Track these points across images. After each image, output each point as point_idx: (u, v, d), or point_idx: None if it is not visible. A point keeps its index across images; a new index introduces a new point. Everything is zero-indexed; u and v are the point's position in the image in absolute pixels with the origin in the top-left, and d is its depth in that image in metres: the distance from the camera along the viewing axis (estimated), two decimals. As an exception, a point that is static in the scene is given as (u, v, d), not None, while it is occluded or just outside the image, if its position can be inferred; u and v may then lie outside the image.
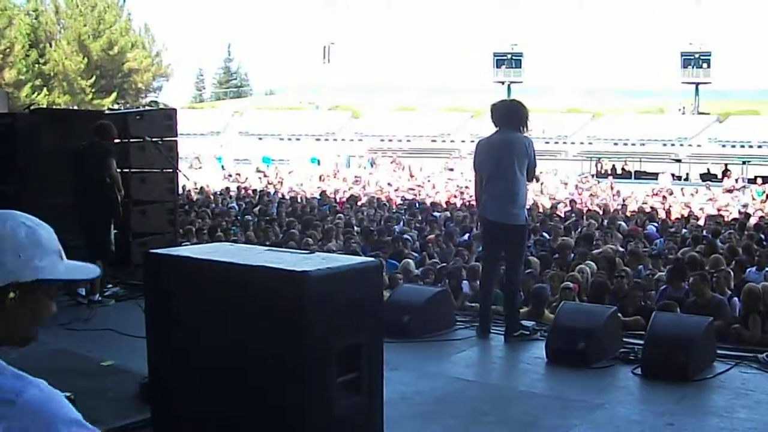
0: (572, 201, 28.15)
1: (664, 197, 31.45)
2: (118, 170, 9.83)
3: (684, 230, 18.55)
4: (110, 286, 10.13)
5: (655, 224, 20.13)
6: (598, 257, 13.50)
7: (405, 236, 16.14)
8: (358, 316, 3.90)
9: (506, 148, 8.20)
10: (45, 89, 71.45)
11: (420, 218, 21.08)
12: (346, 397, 3.80)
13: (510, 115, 8.36)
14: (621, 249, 15.13)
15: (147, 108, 21.28)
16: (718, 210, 26.87)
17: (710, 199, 31.61)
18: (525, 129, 8.37)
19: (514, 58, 70.87)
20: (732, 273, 12.14)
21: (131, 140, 11.02)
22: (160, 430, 3.94)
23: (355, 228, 18.06)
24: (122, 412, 4.88)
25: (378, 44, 77.73)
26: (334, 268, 3.82)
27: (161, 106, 49.21)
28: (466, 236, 17.01)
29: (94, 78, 74.60)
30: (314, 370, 3.66)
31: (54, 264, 2.29)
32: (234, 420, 3.86)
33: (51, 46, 75.35)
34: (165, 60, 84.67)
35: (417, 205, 26.22)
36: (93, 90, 74.23)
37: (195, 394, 3.92)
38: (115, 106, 66.54)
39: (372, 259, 4.86)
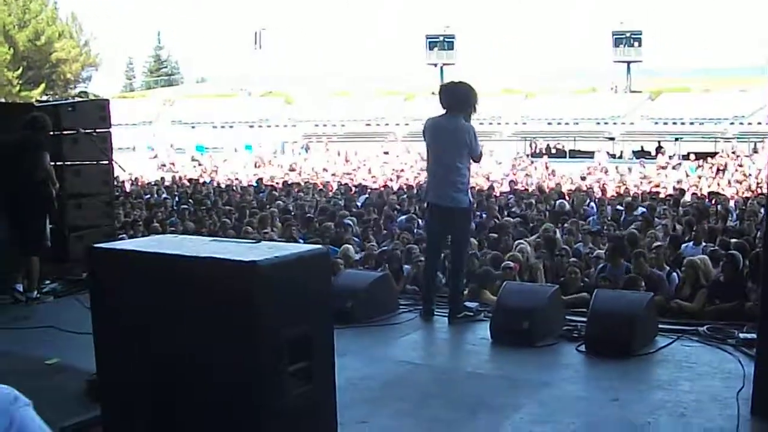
0: (511, 181, 28.36)
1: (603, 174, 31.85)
2: (52, 163, 9.65)
3: (619, 207, 18.80)
4: (48, 282, 9.96)
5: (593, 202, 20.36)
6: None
7: (345, 221, 16.12)
8: (307, 305, 3.88)
9: (449, 135, 8.26)
10: (-30, 81, 70.02)
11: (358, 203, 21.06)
12: (298, 385, 3.78)
13: (457, 100, 8.37)
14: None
15: (79, 99, 20.93)
16: (653, 187, 27.25)
17: (644, 177, 32.00)
18: (472, 114, 8.40)
19: (446, 40, 70.98)
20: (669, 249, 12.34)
21: (64, 132, 10.84)
22: (111, 427, 3.88)
23: (293, 215, 17.98)
24: (72, 410, 4.81)
25: (310, 29, 77.48)
26: (281, 256, 3.79)
27: (91, 97, 48.51)
28: (403, 218, 17.06)
29: (20, 69, 73.16)
30: (265, 360, 3.63)
31: None
32: (186, 412, 3.81)
33: (-25, 37, 73.78)
34: (94, 49, 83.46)
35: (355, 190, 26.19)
36: (20, 81, 72.81)
37: (145, 388, 3.87)
38: (44, 98, 65.29)
39: (320, 246, 4.84)
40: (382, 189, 26.31)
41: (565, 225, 15.33)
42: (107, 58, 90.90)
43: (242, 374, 3.63)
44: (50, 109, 10.70)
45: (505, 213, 18.06)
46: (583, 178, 31.18)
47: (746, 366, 6.26)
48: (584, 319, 7.41)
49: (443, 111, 8.39)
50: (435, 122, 8.45)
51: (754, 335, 6.46)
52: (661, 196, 22.47)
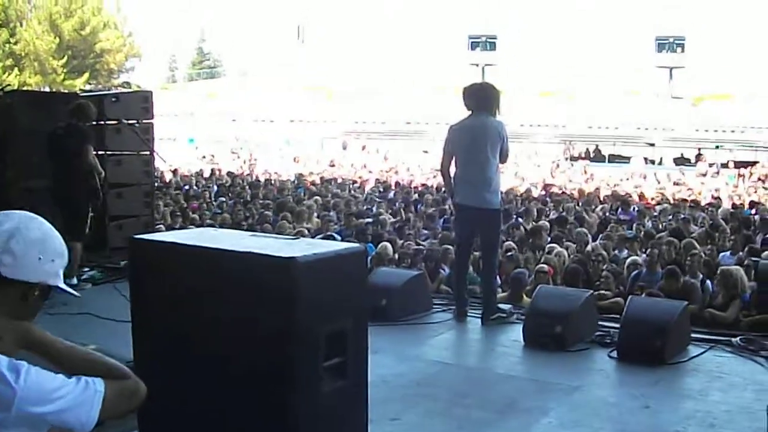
0: (547, 185, 28.23)
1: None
2: (94, 153, 9.79)
3: (656, 214, 18.72)
4: (86, 269, 10.11)
5: (636, 207, 20.24)
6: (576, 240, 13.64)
7: (383, 218, 16.17)
8: (343, 301, 3.94)
9: (479, 133, 8.25)
10: (16, 69, 70.59)
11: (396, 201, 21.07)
12: (332, 381, 3.85)
13: (482, 99, 8.39)
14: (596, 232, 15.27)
15: (123, 90, 21.15)
16: (690, 193, 27.03)
17: (682, 183, 31.74)
18: (497, 112, 8.39)
19: (488, 40, 70.75)
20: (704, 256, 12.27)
21: (107, 123, 11.00)
22: (147, 414, 3.97)
23: (331, 212, 18.03)
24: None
25: (352, 25, 77.39)
26: (320, 253, 3.85)
27: (134, 88, 48.86)
28: (442, 220, 17.07)
29: (65, 58, 73.73)
30: (301, 355, 3.70)
31: (61, 275, 2.70)
32: (221, 405, 3.89)
33: (22, 25, 74.33)
34: (137, 40, 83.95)
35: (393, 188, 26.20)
36: (65, 70, 73.33)
37: (181, 378, 3.95)
38: (87, 87, 65.81)
39: (357, 244, 4.90)
40: (421, 188, 26.29)
41: (607, 229, 15.30)
42: (150, 50, 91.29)
43: (278, 368, 3.69)
44: (94, 99, 10.87)
45: (542, 216, 18.01)
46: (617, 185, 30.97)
47: (778, 378, 6.27)
48: (617, 325, 7.43)
49: (468, 113, 8.42)
50: (462, 125, 8.48)
51: (787, 347, 6.46)
52: (700, 203, 22.28)
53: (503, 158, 8.44)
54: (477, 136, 8.26)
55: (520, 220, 16.67)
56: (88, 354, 2.77)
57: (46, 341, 2.76)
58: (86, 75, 74.89)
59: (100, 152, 10.44)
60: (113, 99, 11.48)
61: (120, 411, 2.67)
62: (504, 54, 70.63)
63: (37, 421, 2.45)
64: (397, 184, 27.92)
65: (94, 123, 10.24)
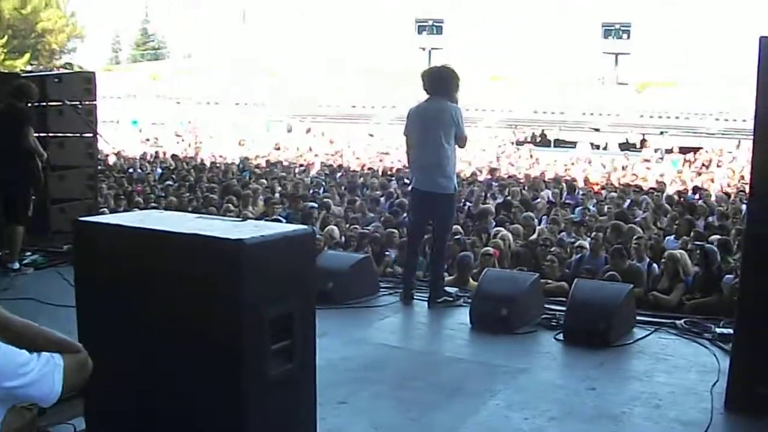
0: (493, 169, 28.35)
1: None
2: (36, 135, 9.60)
3: (602, 199, 18.89)
4: (28, 254, 9.92)
5: (581, 192, 20.38)
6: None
7: (328, 202, 16.14)
8: (290, 284, 3.90)
9: (432, 117, 8.22)
10: (-46, 49, 69.41)
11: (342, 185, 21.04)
12: (280, 364, 3.81)
13: (438, 82, 8.35)
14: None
15: (65, 71, 20.79)
16: (634, 178, 27.30)
17: (627, 168, 32.03)
18: (454, 96, 8.35)
19: (435, 24, 70.89)
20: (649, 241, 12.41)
21: (50, 104, 10.81)
22: (92, 400, 3.90)
23: (276, 195, 17.96)
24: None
25: (298, 8, 76.84)
26: (267, 235, 3.81)
27: (77, 69, 48.15)
28: (388, 203, 17.08)
29: (5, 38, 72.50)
30: (249, 337, 3.66)
31: None
32: (169, 389, 3.83)
33: (-40, 4, 73.10)
34: (80, 20, 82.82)
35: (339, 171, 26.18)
36: (4, 51, 72.14)
37: (128, 362, 3.88)
38: (29, 68, 64.77)
39: (305, 226, 4.85)
40: (367, 171, 26.28)
41: (550, 213, 15.43)
42: (94, 30, 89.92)
43: (225, 351, 3.65)
44: (36, 79, 10.66)
45: (488, 199, 18.09)
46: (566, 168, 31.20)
47: (721, 360, 6.35)
48: (563, 308, 7.48)
49: (426, 96, 8.39)
50: (419, 108, 8.45)
51: (730, 330, 6.54)
52: (644, 188, 22.49)
53: (461, 141, 8.39)
54: (431, 120, 8.22)
55: (468, 204, 16.73)
56: (42, 330, 2.85)
57: (5, 319, 2.82)
58: (27, 56, 73.75)
59: (42, 134, 10.27)
60: (56, 80, 11.28)
61: (77, 382, 2.80)
62: (451, 38, 70.80)
63: (5, 396, 2.57)
64: (342, 167, 27.89)
65: (36, 104, 10.05)
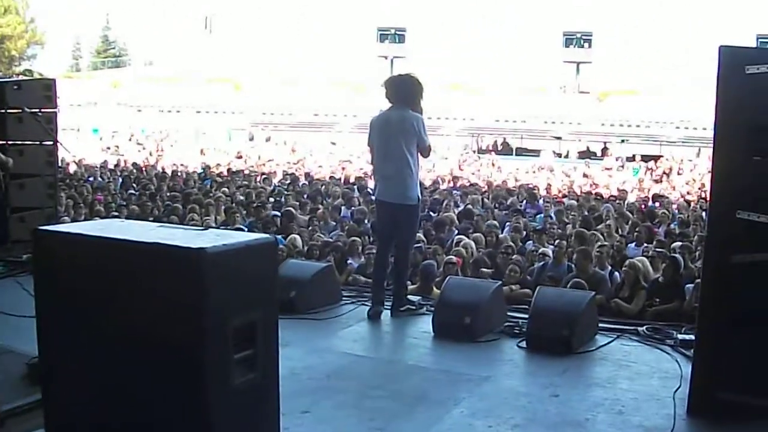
0: (455, 177, 28.42)
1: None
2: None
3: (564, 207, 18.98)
4: (-13, 263, 9.81)
5: (543, 200, 20.47)
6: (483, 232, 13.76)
7: (291, 211, 16.09)
8: (253, 293, 3.88)
9: (394, 127, 8.15)
10: None
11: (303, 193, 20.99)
12: (242, 374, 3.79)
13: (401, 91, 8.29)
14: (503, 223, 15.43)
15: (24, 77, 20.59)
16: (595, 187, 27.49)
17: (588, 176, 32.26)
18: (418, 105, 8.31)
19: (397, 33, 70.99)
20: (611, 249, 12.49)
21: (9, 111, 10.69)
22: (52, 411, 3.85)
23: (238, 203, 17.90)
24: (11, 393, 4.76)
25: (261, 16, 76.52)
26: (229, 244, 3.78)
27: (37, 76, 47.77)
28: (350, 212, 17.07)
29: (-38, 45, 71.87)
30: (211, 347, 3.63)
31: None
32: (129, 400, 3.79)
33: None
34: (40, 27, 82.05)
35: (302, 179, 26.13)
36: (-38, 57, 71.53)
37: (87, 374, 3.84)
38: (-13, 75, 64.15)
39: (267, 235, 4.83)
40: (329, 179, 26.25)
41: (512, 221, 15.48)
42: (54, 37, 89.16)
43: (188, 360, 3.62)
44: (-6, 86, 10.55)
45: (451, 207, 18.12)
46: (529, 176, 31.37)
47: (684, 366, 6.39)
48: (526, 315, 7.50)
49: (389, 105, 8.35)
50: (381, 117, 8.41)
51: (692, 336, 6.59)
52: (605, 196, 22.65)
53: (425, 151, 8.33)
54: (392, 130, 8.16)
55: (432, 213, 16.75)
56: None
57: None
58: (-15, 62, 72.94)
59: (1, 141, 10.15)
60: (15, 86, 11.14)
61: None
62: (413, 47, 70.89)
63: None
64: (306, 175, 27.85)
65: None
